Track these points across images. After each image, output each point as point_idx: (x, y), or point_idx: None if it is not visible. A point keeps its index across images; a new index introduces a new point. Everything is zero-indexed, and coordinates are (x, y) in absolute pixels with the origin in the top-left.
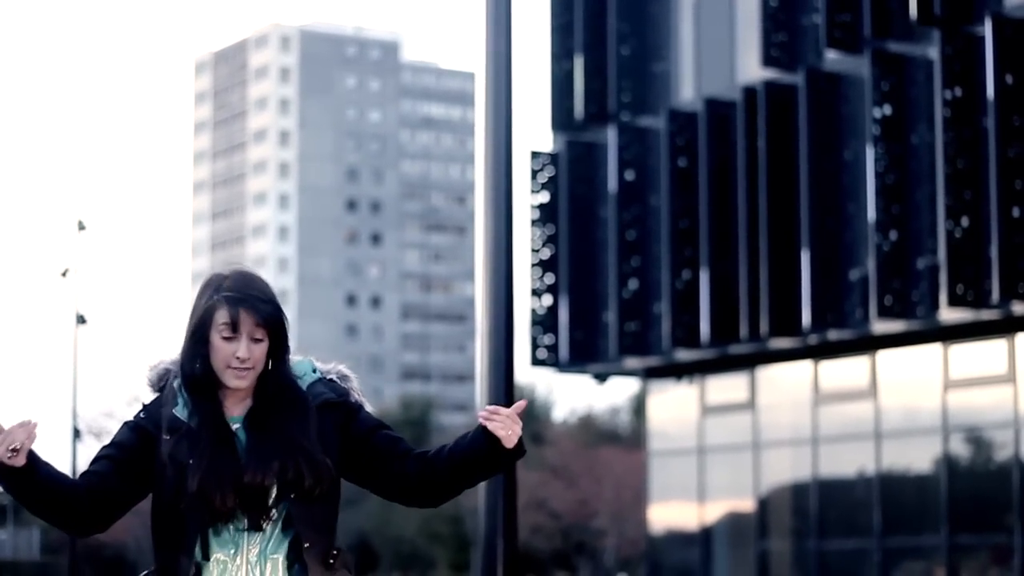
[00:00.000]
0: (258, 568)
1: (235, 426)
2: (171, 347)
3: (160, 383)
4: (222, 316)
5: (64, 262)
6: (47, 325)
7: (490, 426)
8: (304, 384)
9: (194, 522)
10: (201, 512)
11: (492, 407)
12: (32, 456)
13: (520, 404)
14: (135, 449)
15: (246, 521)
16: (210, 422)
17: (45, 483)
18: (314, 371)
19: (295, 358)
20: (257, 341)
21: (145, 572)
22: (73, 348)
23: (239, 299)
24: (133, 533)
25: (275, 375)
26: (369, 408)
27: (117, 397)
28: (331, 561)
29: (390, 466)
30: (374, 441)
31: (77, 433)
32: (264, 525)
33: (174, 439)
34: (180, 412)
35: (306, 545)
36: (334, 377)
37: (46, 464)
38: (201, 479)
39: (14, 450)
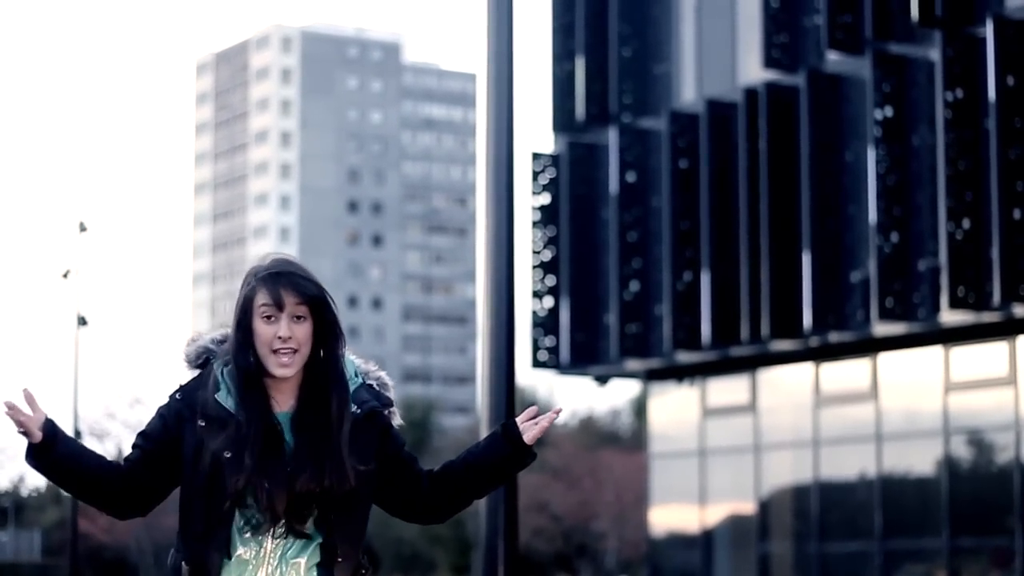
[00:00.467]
0: (279, 571)
1: (280, 423)
2: (178, 332)
3: (199, 360)
4: (262, 297)
5: (65, 263)
6: (48, 326)
7: (534, 431)
8: (350, 388)
9: (230, 518)
10: (241, 511)
11: (530, 411)
12: (53, 433)
13: (557, 409)
14: (164, 441)
15: (283, 526)
16: (259, 419)
17: (66, 461)
18: (356, 375)
19: (345, 355)
20: (299, 320)
21: (172, 558)
22: (74, 349)
23: (277, 276)
24: (135, 535)
25: (324, 365)
26: (399, 420)
27: (118, 398)
28: (363, 571)
29: (408, 488)
30: (401, 461)
31: (78, 434)
32: (302, 530)
33: (213, 428)
34: (223, 399)
35: (339, 560)
36: (374, 384)
37: (69, 441)
38: (249, 479)
39: (22, 429)
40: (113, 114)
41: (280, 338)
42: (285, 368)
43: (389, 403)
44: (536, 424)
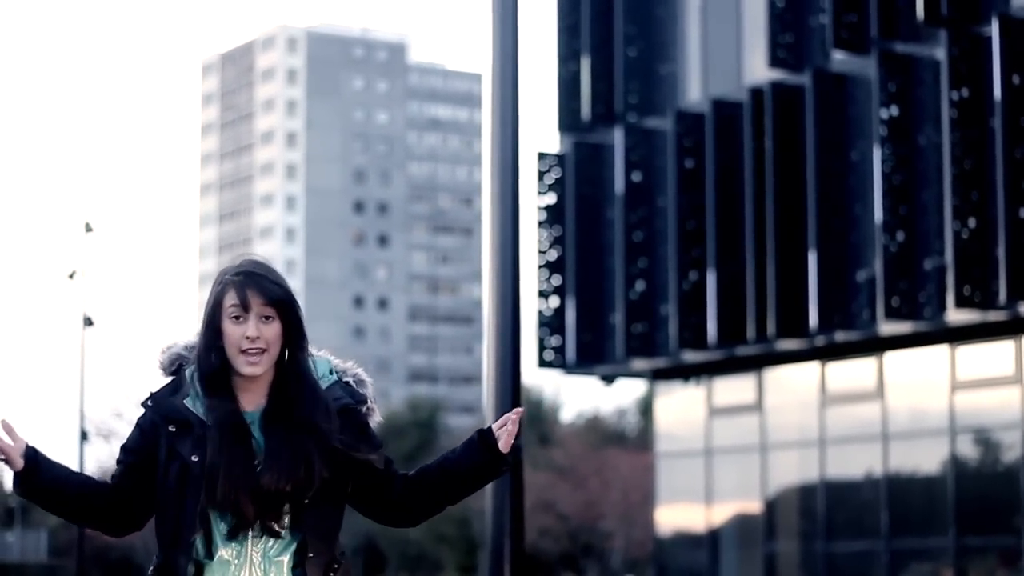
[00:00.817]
0: (261, 570)
1: (249, 422)
2: (182, 332)
3: (172, 367)
4: (230, 299)
5: (71, 264)
6: (54, 327)
7: (505, 438)
8: (324, 385)
9: (197, 521)
10: (213, 513)
11: (503, 419)
12: (35, 459)
13: (518, 411)
14: (143, 450)
15: (258, 525)
16: (226, 420)
17: (52, 485)
18: (331, 372)
19: (315, 354)
20: (267, 320)
21: (152, 568)
22: (80, 350)
23: (245, 279)
24: (141, 535)
25: (292, 366)
26: (378, 418)
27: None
28: (331, 574)
29: (380, 489)
30: (367, 463)
31: (84, 435)
32: (278, 529)
33: (180, 432)
34: (191, 404)
35: (311, 555)
36: (351, 380)
37: (53, 466)
38: (213, 479)
39: (3, 460)
40: (119, 115)
41: (248, 338)
42: (254, 367)
43: (363, 399)
44: (506, 430)
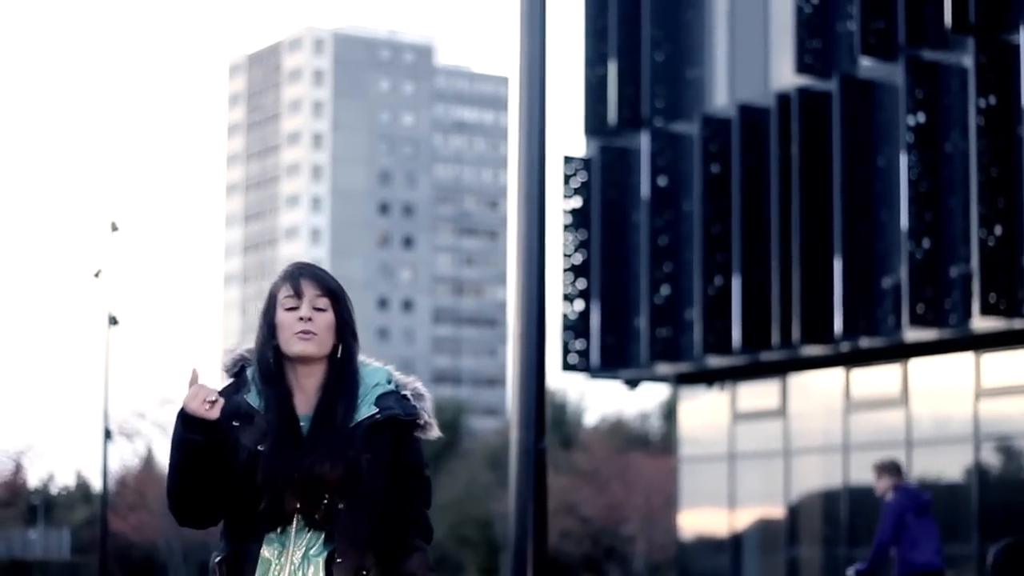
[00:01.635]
0: (301, 570)
1: (303, 424)
2: (207, 332)
3: (235, 368)
4: (285, 291)
5: (97, 263)
6: (79, 326)
7: None
8: (375, 393)
9: (263, 511)
10: (265, 503)
11: None
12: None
13: None
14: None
15: (300, 519)
16: (278, 412)
17: (219, 448)
18: (389, 382)
19: (374, 363)
20: (320, 311)
21: (217, 557)
22: (105, 349)
23: (299, 270)
24: (164, 535)
25: (342, 363)
26: (436, 432)
27: (148, 398)
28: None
29: (387, 516)
30: (400, 481)
31: (108, 434)
32: (317, 518)
33: (244, 426)
34: (252, 399)
35: (338, 560)
36: (408, 394)
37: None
38: (264, 470)
39: (211, 401)
40: (146, 115)
41: (301, 319)
42: (305, 343)
43: (415, 413)
44: None
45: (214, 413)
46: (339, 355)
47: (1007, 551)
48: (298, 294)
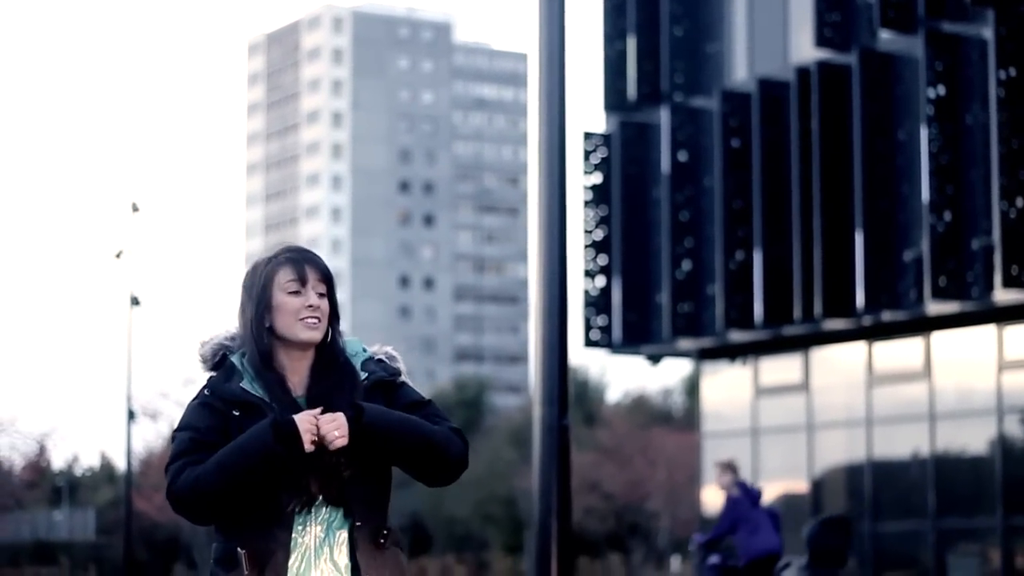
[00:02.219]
0: (326, 544)
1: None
2: (227, 312)
3: (215, 358)
4: (286, 274)
5: (118, 244)
6: (102, 306)
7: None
8: (357, 362)
9: (286, 498)
10: (288, 491)
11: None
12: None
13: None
14: (215, 430)
15: (321, 498)
16: (280, 398)
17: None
18: (364, 350)
19: (347, 336)
20: (321, 296)
21: (217, 551)
22: (128, 330)
23: (300, 256)
24: None
25: (331, 347)
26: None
27: (171, 378)
28: (381, 540)
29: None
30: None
31: (132, 415)
32: (339, 496)
33: (245, 415)
34: (248, 386)
35: (358, 524)
36: (383, 357)
37: None
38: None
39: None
40: (165, 94)
41: (309, 307)
42: (313, 331)
43: (397, 372)
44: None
45: (311, 447)
46: (328, 337)
47: (823, 526)
48: (302, 280)
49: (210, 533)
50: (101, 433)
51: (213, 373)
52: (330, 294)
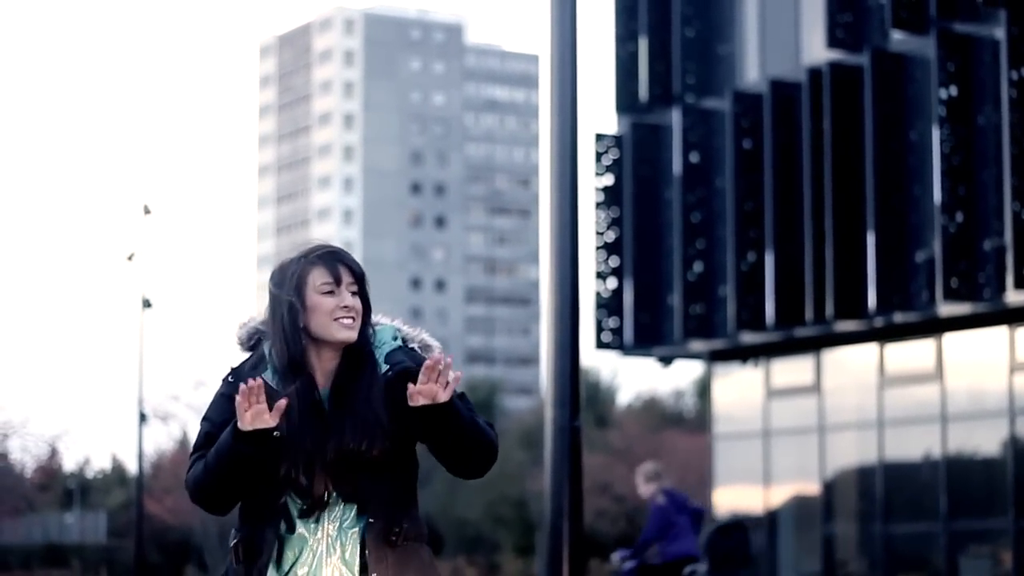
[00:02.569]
0: (338, 542)
1: (323, 399)
2: (240, 313)
3: (250, 341)
4: (320, 275)
5: (130, 246)
6: (113, 309)
7: (413, 401)
8: (383, 351)
9: (282, 496)
10: (294, 490)
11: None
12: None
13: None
14: (230, 423)
15: (334, 496)
16: (305, 397)
17: (271, 455)
18: (395, 338)
19: (381, 322)
20: (354, 295)
21: (235, 541)
22: (139, 332)
23: (332, 256)
24: (200, 517)
25: (360, 342)
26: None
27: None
28: (393, 538)
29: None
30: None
31: (143, 417)
32: (349, 492)
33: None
34: (270, 379)
35: (370, 520)
36: (415, 346)
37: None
38: (294, 459)
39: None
40: (177, 97)
41: (345, 307)
42: (350, 331)
43: (424, 360)
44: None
45: (272, 420)
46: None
47: (718, 532)
48: (337, 279)
49: (221, 535)
50: (112, 435)
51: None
52: (362, 291)
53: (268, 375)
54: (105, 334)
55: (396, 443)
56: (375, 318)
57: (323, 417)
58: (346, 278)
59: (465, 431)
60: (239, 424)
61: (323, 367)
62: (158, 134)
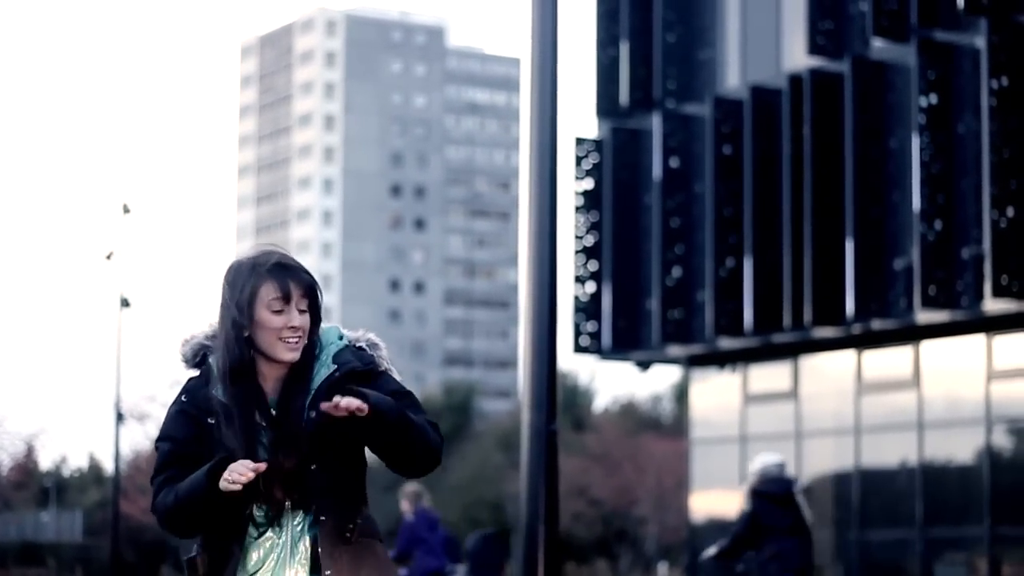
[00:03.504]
0: (301, 543)
1: (271, 408)
2: (203, 321)
3: (195, 358)
4: (270, 291)
5: (109, 245)
6: (91, 308)
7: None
8: (330, 352)
9: (248, 508)
10: (256, 501)
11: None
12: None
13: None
14: (193, 440)
15: (290, 503)
16: (248, 410)
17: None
18: (340, 338)
19: (323, 326)
20: (303, 312)
21: (193, 554)
22: (117, 331)
23: (284, 271)
24: None
25: (309, 348)
26: (396, 376)
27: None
28: (347, 534)
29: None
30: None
31: (120, 417)
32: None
33: (222, 423)
34: (221, 394)
35: (322, 518)
36: (363, 345)
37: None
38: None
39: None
40: (158, 96)
41: (291, 328)
42: (295, 352)
43: (371, 360)
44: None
45: (232, 486)
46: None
47: (484, 540)
48: (286, 296)
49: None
50: (89, 435)
51: (195, 371)
52: (312, 305)
53: (220, 392)
54: (83, 333)
55: (341, 444)
56: None
57: (273, 426)
58: (296, 293)
59: (400, 434)
60: (220, 483)
61: (272, 375)
62: (138, 133)
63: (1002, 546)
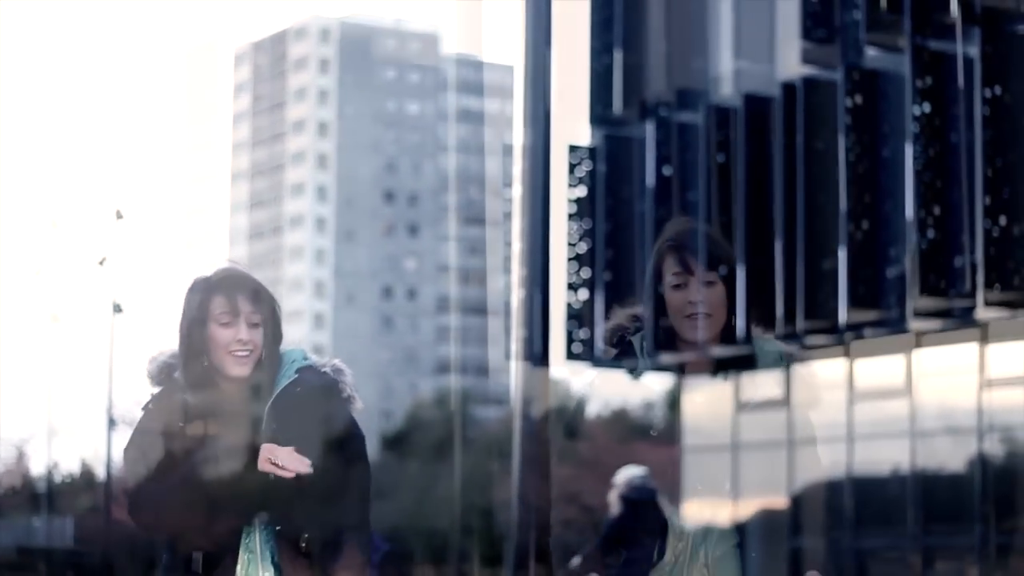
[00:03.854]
0: (268, 551)
1: None
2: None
3: (161, 376)
4: (219, 305)
5: (101, 251)
6: (84, 314)
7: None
8: (292, 369)
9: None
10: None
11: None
12: None
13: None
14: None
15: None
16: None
17: None
18: (305, 358)
19: (287, 347)
20: (254, 326)
21: (168, 560)
22: (109, 337)
23: (232, 286)
24: None
25: (269, 366)
26: (359, 405)
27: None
28: (302, 544)
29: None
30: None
31: (112, 423)
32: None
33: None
34: None
35: (277, 528)
36: (327, 370)
37: None
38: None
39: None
40: (150, 102)
41: (239, 341)
42: (243, 367)
43: (333, 384)
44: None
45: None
46: (262, 359)
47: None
48: (234, 311)
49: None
50: (81, 441)
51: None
52: (268, 320)
53: None
54: (75, 339)
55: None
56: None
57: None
58: (244, 308)
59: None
60: (260, 464)
61: (233, 391)
62: (131, 139)
63: (995, 555)
